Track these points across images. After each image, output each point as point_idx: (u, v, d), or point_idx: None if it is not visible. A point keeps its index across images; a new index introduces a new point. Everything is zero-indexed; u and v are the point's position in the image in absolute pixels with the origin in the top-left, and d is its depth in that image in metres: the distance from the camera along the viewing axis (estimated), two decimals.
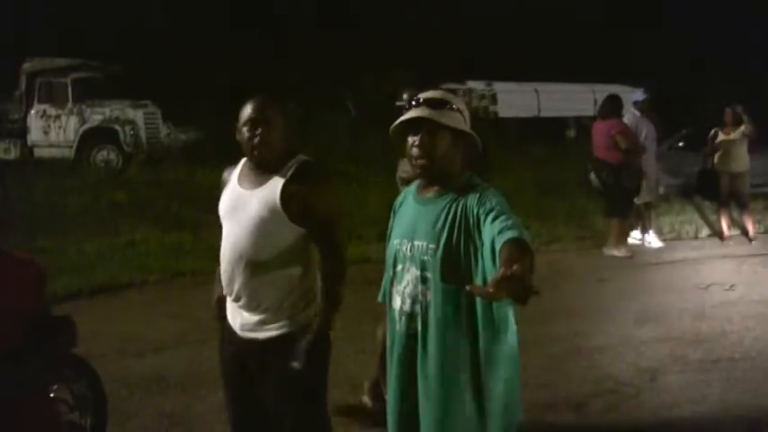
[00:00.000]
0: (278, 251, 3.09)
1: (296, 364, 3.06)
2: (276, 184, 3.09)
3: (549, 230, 10.90)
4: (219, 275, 3.29)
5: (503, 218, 2.52)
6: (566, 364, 5.78)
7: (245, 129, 3.10)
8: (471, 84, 20.40)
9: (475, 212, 2.62)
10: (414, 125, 2.75)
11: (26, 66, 17.18)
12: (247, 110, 3.11)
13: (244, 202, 3.13)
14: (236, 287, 3.15)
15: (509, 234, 2.41)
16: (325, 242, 3.18)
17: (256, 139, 3.07)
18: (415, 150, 2.74)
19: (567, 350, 6.07)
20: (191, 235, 10.20)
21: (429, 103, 2.76)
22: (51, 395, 3.94)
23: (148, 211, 11.90)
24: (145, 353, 6.15)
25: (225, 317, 3.30)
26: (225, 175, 3.32)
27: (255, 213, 3.09)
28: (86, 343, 4.62)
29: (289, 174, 3.10)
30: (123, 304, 7.78)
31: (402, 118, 2.77)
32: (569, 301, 7.39)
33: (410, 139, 2.76)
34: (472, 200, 2.66)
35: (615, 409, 4.95)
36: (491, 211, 2.57)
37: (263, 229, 3.08)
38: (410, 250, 2.76)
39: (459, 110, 2.79)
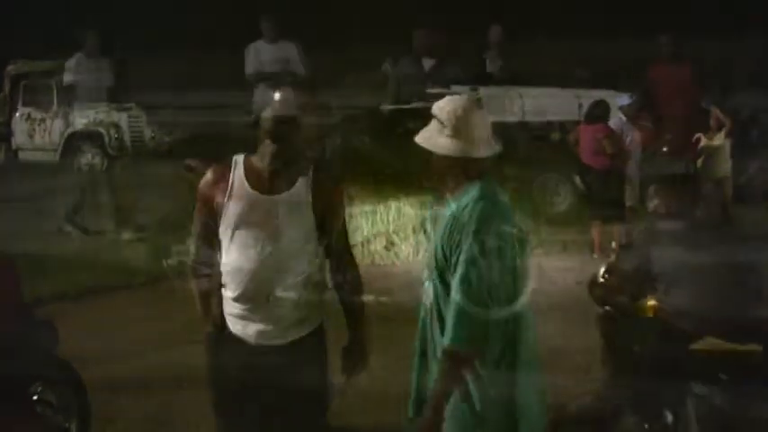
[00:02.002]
0: (305, 256, 3.07)
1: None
2: (303, 186, 3.06)
3: (532, 234, 10.90)
4: (203, 292, 3.21)
5: (461, 290, 2.74)
6: (546, 365, 5.79)
7: (279, 126, 3.01)
8: (456, 88, 20.45)
9: (457, 238, 2.77)
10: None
11: (10, 68, 17.06)
12: (283, 107, 3.06)
13: (267, 208, 3.04)
14: (257, 295, 3.04)
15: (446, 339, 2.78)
16: (344, 245, 3.23)
17: (292, 136, 3.03)
18: (426, 170, 2.96)
19: (547, 352, 6.07)
20: (176, 238, 10.15)
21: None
22: (35, 398, 3.95)
23: (134, 213, 11.85)
24: (129, 355, 6.14)
25: (223, 328, 3.18)
26: (208, 177, 3.18)
27: (287, 219, 3.03)
28: (70, 345, 4.65)
29: (310, 176, 3.08)
30: (108, 307, 7.77)
31: (417, 139, 2.95)
32: (547, 303, 7.38)
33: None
34: (464, 219, 2.79)
35: None
36: (459, 264, 2.75)
37: (295, 234, 3.03)
38: (430, 253, 2.97)
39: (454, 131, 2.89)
